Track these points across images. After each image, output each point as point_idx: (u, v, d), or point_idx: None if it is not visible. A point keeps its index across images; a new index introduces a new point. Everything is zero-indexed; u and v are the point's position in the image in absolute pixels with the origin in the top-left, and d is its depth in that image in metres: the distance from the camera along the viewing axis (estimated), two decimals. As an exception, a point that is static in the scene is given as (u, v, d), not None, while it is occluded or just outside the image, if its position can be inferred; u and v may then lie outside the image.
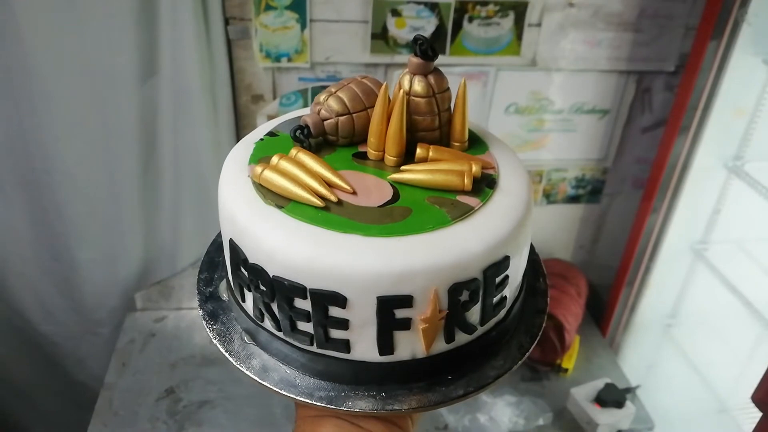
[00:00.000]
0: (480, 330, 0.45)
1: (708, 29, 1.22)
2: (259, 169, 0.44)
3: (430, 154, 0.47)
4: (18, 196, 1.31)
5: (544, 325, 0.51)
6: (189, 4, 1.14)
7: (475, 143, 0.50)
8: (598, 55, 1.37)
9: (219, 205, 0.46)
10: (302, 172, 0.44)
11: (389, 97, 0.46)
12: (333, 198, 0.43)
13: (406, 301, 0.40)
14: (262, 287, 0.43)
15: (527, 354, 0.48)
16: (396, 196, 0.44)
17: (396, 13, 1.26)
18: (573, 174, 1.55)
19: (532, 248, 0.51)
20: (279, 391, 0.44)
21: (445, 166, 0.45)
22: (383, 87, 0.46)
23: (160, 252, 1.46)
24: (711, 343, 1.53)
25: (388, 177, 0.46)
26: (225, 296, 0.51)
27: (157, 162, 1.33)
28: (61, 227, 1.35)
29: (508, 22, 1.30)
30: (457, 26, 1.29)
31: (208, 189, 1.36)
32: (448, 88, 0.48)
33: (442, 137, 0.49)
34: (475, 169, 0.45)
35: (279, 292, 0.42)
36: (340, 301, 0.40)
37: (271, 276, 0.41)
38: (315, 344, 0.43)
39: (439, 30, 1.29)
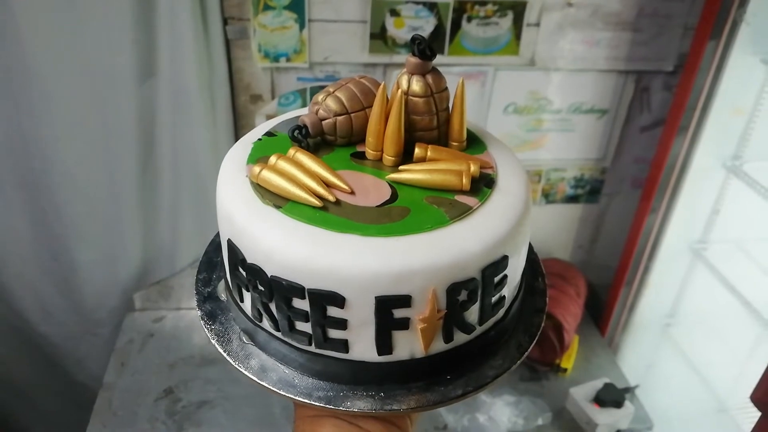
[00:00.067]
0: (478, 330, 0.45)
1: (707, 29, 1.22)
2: (257, 169, 0.44)
3: (429, 153, 0.47)
4: (17, 196, 1.30)
5: (542, 324, 0.51)
6: (187, 4, 1.14)
7: (474, 143, 0.50)
8: (597, 54, 1.37)
9: (217, 205, 0.46)
10: (300, 172, 0.44)
11: (387, 97, 0.46)
12: (331, 198, 0.43)
13: (405, 300, 0.40)
14: (261, 287, 0.43)
15: (526, 354, 0.48)
16: (394, 196, 0.44)
17: (395, 12, 1.26)
18: (572, 174, 1.55)
19: (530, 248, 0.51)
20: (277, 391, 0.44)
21: (444, 165, 0.45)
22: (381, 87, 0.46)
23: (159, 252, 1.46)
24: (710, 343, 1.53)
25: (387, 177, 0.46)
26: (223, 296, 0.51)
27: (156, 162, 1.33)
28: (60, 227, 1.35)
29: (506, 21, 1.30)
30: (456, 26, 1.29)
31: (206, 189, 1.36)
32: (446, 88, 0.48)
33: (441, 137, 0.49)
34: (474, 168, 0.45)
35: (277, 292, 0.42)
36: (339, 301, 0.40)
37: (269, 276, 0.41)
38: (313, 344, 0.43)
39: (438, 30, 1.29)
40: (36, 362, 1.53)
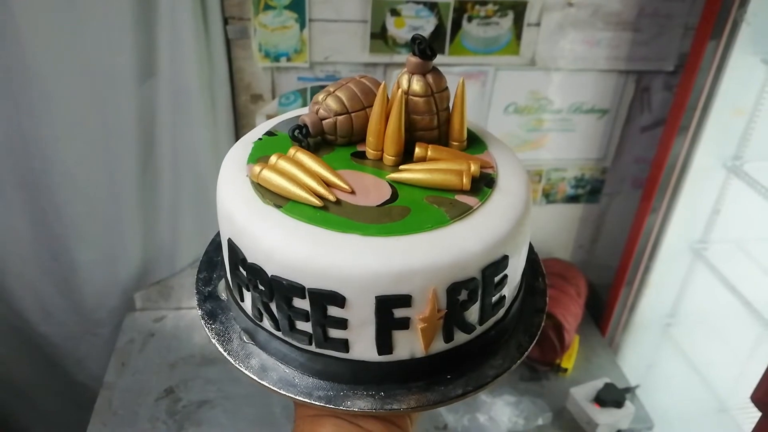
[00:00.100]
0: (479, 329, 0.45)
1: (707, 29, 1.22)
2: (257, 168, 0.44)
3: (429, 153, 0.47)
4: (17, 196, 1.30)
5: (543, 324, 0.51)
6: (188, 3, 1.14)
7: (474, 142, 0.50)
8: (597, 54, 1.37)
9: (217, 204, 0.46)
10: (301, 172, 0.44)
11: (388, 97, 0.46)
12: (331, 197, 0.43)
13: (405, 300, 0.40)
14: (261, 287, 0.43)
15: (526, 353, 0.48)
16: (394, 196, 0.44)
17: (395, 12, 1.26)
18: (572, 174, 1.55)
19: (531, 248, 0.51)
20: (278, 390, 0.44)
21: (444, 165, 0.45)
22: (382, 86, 0.46)
23: (159, 252, 1.46)
24: (710, 343, 1.53)
25: (387, 176, 0.46)
26: (224, 296, 0.51)
27: (156, 162, 1.33)
28: (60, 227, 1.35)
29: (507, 21, 1.30)
30: (456, 26, 1.29)
31: (206, 189, 1.36)
32: (447, 88, 0.48)
33: (441, 137, 0.49)
34: (474, 168, 0.45)
35: (277, 292, 0.42)
36: (339, 300, 0.40)
37: (269, 275, 0.41)
38: (314, 344, 0.43)
39: (438, 29, 1.29)
40: (36, 362, 1.53)
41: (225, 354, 0.47)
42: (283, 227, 0.41)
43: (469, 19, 1.29)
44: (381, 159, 0.47)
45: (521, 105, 1.42)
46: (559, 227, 1.64)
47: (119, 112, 1.24)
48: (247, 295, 0.45)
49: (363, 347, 0.43)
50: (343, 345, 0.43)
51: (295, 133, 0.47)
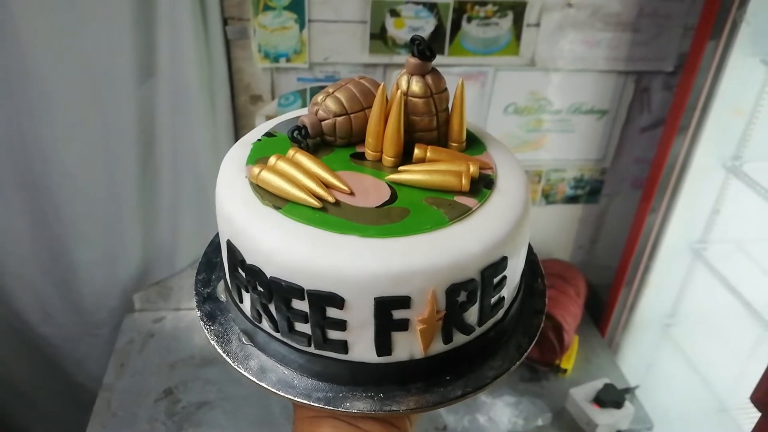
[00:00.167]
0: (478, 331, 0.45)
1: (706, 29, 1.22)
2: (256, 169, 0.44)
3: (428, 154, 0.47)
4: (17, 196, 1.30)
5: (542, 325, 0.51)
6: (187, 4, 1.14)
7: (473, 144, 0.50)
8: (597, 55, 1.37)
9: (216, 206, 0.46)
10: (300, 173, 0.44)
11: (387, 98, 0.46)
12: (330, 199, 0.43)
13: (404, 302, 0.40)
14: (260, 288, 0.42)
15: (525, 354, 0.48)
16: (394, 197, 0.44)
17: (395, 13, 1.26)
18: (572, 174, 1.55)
19: (530, 248, 0.51)
20: (277, 392, 0.44)
21: (443, 166, 0.45)
22: (381, 87, 0.46)
23: (159, 252, 1.46)
24: (710, 343, 1.53)
25: (386, 178, 0.46)
26: (223, 297, 0.51)
27: (156, 162, 1.33)
28: (60, 228, 1.35)
29: (506, 22, 1.30)
30: (456, 26, 1.29)
31: (206, 189, 1.36)
32: (446, 89, 0.48)
33: (440, 138, 0.49)
34: (473, 169, 0.45)
35: (276, 293, 0.42)
36: (338, 302, 0.40)
37: (268, 277, 0.41)
38: (313, 345, 0.43)
39: (438, 30, 1.29)
40: (36, 363, 1.53)
41: (224, 355, 0.47)
42: (282, 228, 0.41)
43: (469, 20, 1.29)
44: (380, 160, 0.47)
45: (521, 105, 1.42)
46: (558, 228, 1.64)
47: (119, 112, 1.24)
48: (246, 297, 0.45)
49: (362, 348, 0.43)
50: (342, 346, 0.43)
51: (294, 135, 0.47)
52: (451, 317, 0.42)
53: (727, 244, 1.48)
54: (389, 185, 0.45)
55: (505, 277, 0.44)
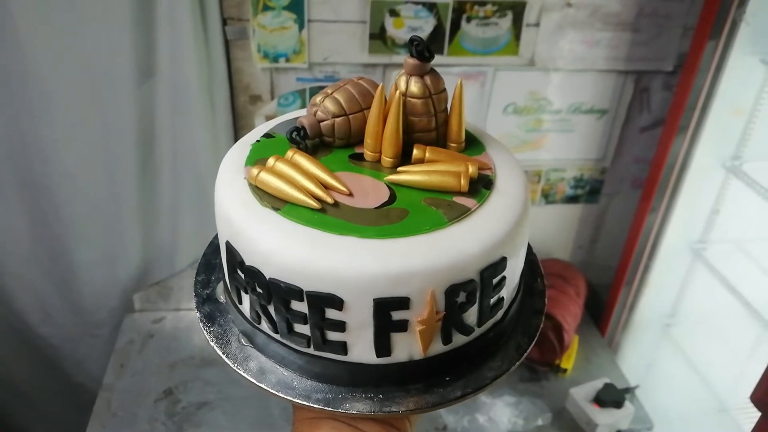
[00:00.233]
0: (477, 331, 0.45)
1: (706, 29, 1.22)
2: (255, 171, 0.44)
3: (427, 155, 0.47)
4: (17, 197, 1.30)
5: (541, 325, 0.51)
6: (187, 4, 1.14)
7: (472, 144, 0.50)
8: (597, 54, 1.37)
9: (215, 207, 0.46)
10: (298, 174, 0.44)
11: (386, 98, 0.46)
12: (329, 200, 0.43)
13: (403, 303, 0.40)
14: (259, 289, 0.42)
15: (525, 355, 0.48)
16: (392, 198, 0.44)
17: (394, 13, 1.26)
18: (571, 174, 1.55)
19: (529, 249, 0.51)
20: (276, 393, 0.44)
21: (442, 167, 0.45)
22: (380, 88, 0.46)
23: (159, 252, 1.46)
24: (710, 343, 1.53)
25: (385, 178, 0.46)
26: (222, 298, 0.51)
27: (156, 162, 1.33)
28: (60, 228, 1.35)
29: (506, 22, 1.30)
30: (455, 26, 1.29)
31: (206, 189, 1.36)
32: (445, 89, 0.48)
33: (439, 138, 0.49)
34: (472, 170, 0.45)
35: (275, 295, 0.42)
36: (337, 303, 0.40)
37: (267, 278, 0.41)
38: (312, 346, 0.43)
39: (437, 30, 1.29)
40: (36, 363, 1.53)
41: (223, 357, 0.47)
42: (281, 230, 0.41)
43: (468, 20, 1.29)
44: (379, 161, 0.47)
45: (520, 105, 1.42)
46: (558, 228, 1.64)
47: (119, 112, 1.24)
48: (246, 298, 0.45)
49: (361, 350, 0.43)
50: (342, 347, 0.43)
51: (293, 136, 0.47)
52: (450, 318, 0.42)
53: (727, 243, 1.48)
54: (388, 186, 0.45)
55: (504, 278, 0.44)
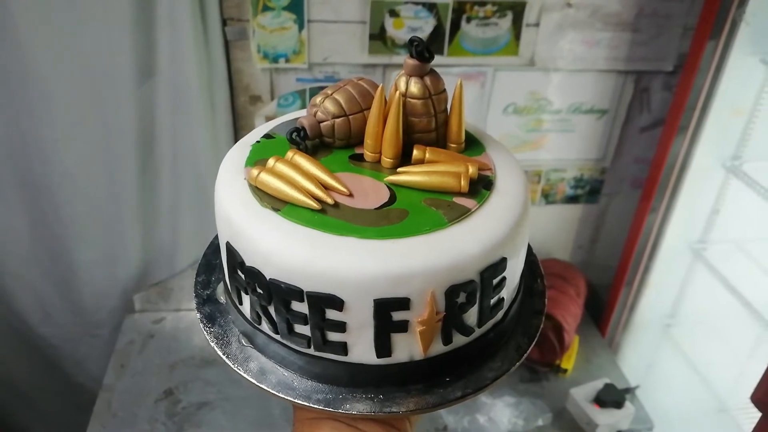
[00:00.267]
0: (477, 332, 0.45)
1: (706, 29, 1.22)
2: (255, 171, 0.44)
3: (427, 155, 0.47)
4: (17, 197, 1.30)
5: (541, 326, 0.51)
6: (187, 5, 1.14)
7: (472, 144, 0.50)
8: (597, 55, 1.37)
9: (215, 207, 0.46)
10: (298, 175, 0.44)
11: (386, 99, 0.46)
12: (329, 200, 0.43)
13: (403, 303, 0.40)
14: (259, 290, 0.42)
15: (525, 355, 0.48)
16: (392, 198, 0.44)
17: (394, 13, 1.26)
18: (571, 174, 1.55)
19: (529, 249, 0.51)
20: (276, 393, 0.44)
21: (442, 167, 0.45)
22: (379, 89, 0.46)
23: (159, 253, 1.46)
24: (710, 343, 1.53)
25: (385, 179, 0.46)
26: (222, 299, 0.51)
27: (156, 162, 1.33)
28: (60, 228, 1.35)
29: (506, 22, 1.30)
30: (455, 26, 1.29)
31: (206, 189, 1.36)
32: (445, 90, 0.48)
33: (439, 139, 0.49)
34: (472, 170, 0.45)
35: (276, 295, 0.42)
36: (337, 303, 0.40)
37: (267, 279, 0.41)
38: (312, 347, 0.43)
39: (437, 30, 1.29)
40: (36, 363, 1.53)
41: (224, 357, 0.47)
42: (281, 230, 0.41)
43: (468, 20, 1.29)
44: (379, 161, 0.47)
45: (520, 105, 1.42)
46: (558, 228, 1.64)
47: (119, 112, 1.24)
48: (246, 299, 0.45)
49: (361, 350, 0.43)
50: (342, 348, 0.43)
51: (293, 136, 0.47)
52: (450, 318, 0.42)
53: (727, 243, 1.48)
54: (388, 187, 0.45)
55: (504, 278, 0.44)
